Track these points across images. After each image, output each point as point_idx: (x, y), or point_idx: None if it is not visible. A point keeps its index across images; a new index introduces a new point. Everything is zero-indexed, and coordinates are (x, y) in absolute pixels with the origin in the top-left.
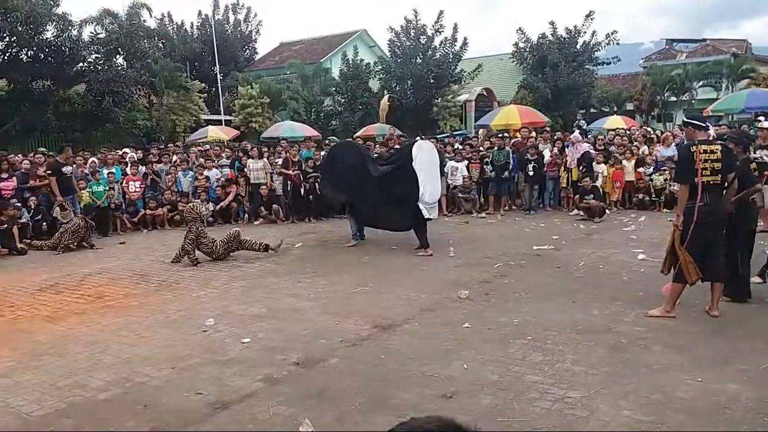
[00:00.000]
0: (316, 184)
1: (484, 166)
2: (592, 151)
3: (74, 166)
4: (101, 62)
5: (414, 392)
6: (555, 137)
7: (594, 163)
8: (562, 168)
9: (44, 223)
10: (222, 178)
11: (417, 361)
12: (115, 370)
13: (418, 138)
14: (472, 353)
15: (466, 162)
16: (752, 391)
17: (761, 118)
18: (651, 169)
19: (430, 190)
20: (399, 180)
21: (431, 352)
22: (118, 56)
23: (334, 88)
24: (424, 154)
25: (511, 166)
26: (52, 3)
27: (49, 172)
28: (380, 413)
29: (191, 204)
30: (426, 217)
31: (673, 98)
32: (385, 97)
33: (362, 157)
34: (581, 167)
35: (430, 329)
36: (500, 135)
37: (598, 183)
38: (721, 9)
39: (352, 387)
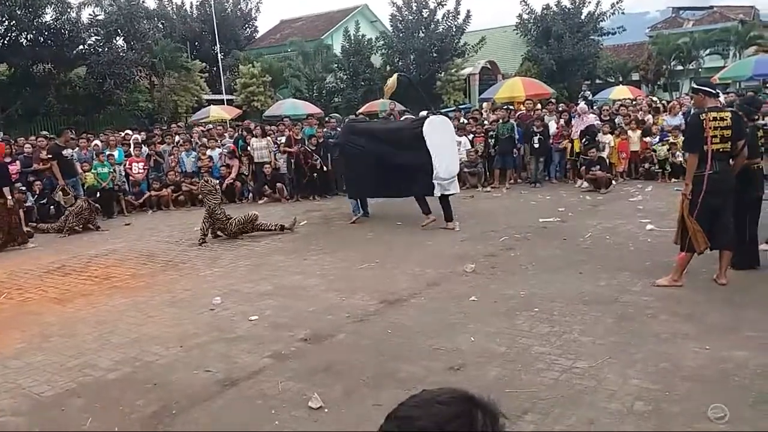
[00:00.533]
0: (320, 162)
1: (489, 140)
2: (598, 122)
3: (77, 148)
4: (101, 44)
5: (421, 365)
6: (561, 109)
7: (600, 134)
8: (567, 140)
9: (51, 207)
10: (225, 152)
11: (424, 335)
12: (123, 349)
13: (428, 113)
14: (479, 326)
15: (471, 136)
16: (760, 358)
17: None
18: (657, 139)
19: (446, 165)
20: (410, 151)
21: (438, 326)
22: (118, 38)
23: (335, 65)
24: (436, 129)
25: (516, 140)
26: None
27: (50, 156)
28: (387, 387)
29: (204, 178)
30: (441, 193)
31: (680, 67)
32: (394, 76)
33: (372, 130)
34: (584, 139)
35: (436, 303)
36: (505, 107)
37: (604, 154)
38: None
39: (359, 362)
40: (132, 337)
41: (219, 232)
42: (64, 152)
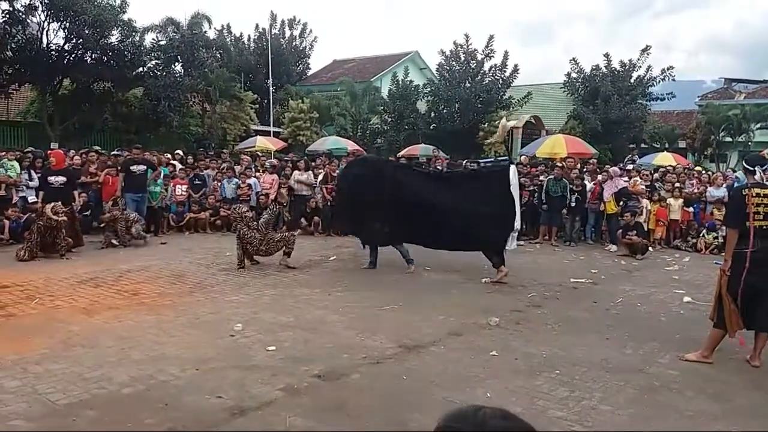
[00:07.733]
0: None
1: (532, 195)
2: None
3: (143, 166)
4: (160, 68)
5: (432, 417)
6: (600, 170)
7: (639, 198)
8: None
9: (94, 222)
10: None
11: (439, 386)
12: (141, 366)
13: (511, 161)
14: (497, 382)
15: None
16: None
17: None
18: (698, 206)
19: (519, 216)
20: (488, 200)
21: (455, 377)
22: (176, 63)
23: (381, 107)
24: (515, 178)
25: (568, 201)
26: (119, 9)
27: (119, 168)
28: None
29: (234, 206)
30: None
31: (729, 139)
32: (511, 122)
33: (409, 179)
34: (621, 202)
35: (456, 354)
36: (551, 164)
37: (641, 219)
38: None
39: (370, 405)
40: (151, 354)
41: (256, 256)
42: (132, 167)
